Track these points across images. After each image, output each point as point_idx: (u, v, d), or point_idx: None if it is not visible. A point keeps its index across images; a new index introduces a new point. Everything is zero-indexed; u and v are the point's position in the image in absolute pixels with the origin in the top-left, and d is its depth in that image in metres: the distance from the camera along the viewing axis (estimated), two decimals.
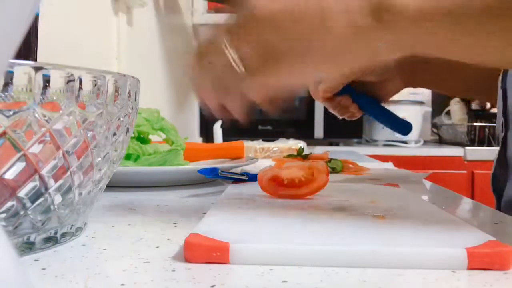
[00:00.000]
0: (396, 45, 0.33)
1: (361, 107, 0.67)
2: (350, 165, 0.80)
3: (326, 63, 0.34)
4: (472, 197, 1.74)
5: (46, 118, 0.27)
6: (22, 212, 0.27)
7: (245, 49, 0.34)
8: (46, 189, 0.28)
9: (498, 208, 0.63)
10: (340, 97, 0.64)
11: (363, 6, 0.32)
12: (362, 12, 0.32)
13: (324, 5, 0.32)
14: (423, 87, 0.73)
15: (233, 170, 0.61)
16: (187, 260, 0.28)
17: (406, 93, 2.01)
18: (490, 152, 1.88)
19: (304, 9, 0.33)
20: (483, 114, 2.08)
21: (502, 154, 0.61)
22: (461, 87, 0.72)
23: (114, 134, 0.33)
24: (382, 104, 0.69)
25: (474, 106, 2.14)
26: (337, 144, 2.03)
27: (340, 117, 0.68)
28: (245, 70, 0.35)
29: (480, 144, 1.99)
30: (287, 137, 1.22)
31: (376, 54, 0.34)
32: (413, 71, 0.66)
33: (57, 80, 0.27)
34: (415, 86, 0.71)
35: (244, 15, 0.34)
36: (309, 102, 1.97)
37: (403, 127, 0.71)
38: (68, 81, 0.28)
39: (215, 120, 0.36)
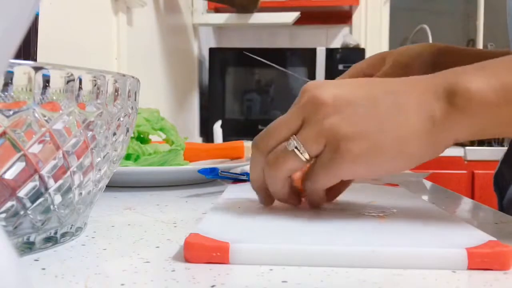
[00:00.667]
0: (473, 130, 0.33)
1: None
2: None
3: (400, 158, 0.33)
4: (472, 197, 1.74)
5: (46, 118, 0.27)
6: (22, 212, 0.27)
7: (315, 143, 0.34)
8: (46, 189, 0.28)
9: (500, 206, 0.63)
10: None
11: (436, 98, 0.32)
12: (437, 105, 0.32)
13: (400, 102, 0.33)
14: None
15: (233, 170, 0.61)
16: (187, 260, 0.28)
17: None
18: (490, 152, 1.88)
19: (380, 103, 0.33)
20: None
21: (510, 154, 0.61)
22: None
23: (114, 134, 0.33)
24: None
25: None
26: None
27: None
28: (310, 157, 0.34)
29: (480, 144, 1.99)
30: None
31: (452, 142, 0.33)
32: (442, 65, 0.63)
33: (57, 80, 0.27)
34: None
35: (308, 99, 0.34)
36: None
37: None
38: (68, 81, 0.28)
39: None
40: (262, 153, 0.36)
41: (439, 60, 0.57)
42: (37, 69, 0.26)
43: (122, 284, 0.24)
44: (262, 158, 0.36)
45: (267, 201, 0.39)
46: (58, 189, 0.29)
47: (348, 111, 0.33)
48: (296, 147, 0.34)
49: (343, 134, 0.33)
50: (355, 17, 2.49)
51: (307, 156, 0.34)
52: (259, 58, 0.69)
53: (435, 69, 0.38)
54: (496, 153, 1.81)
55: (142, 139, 0.66)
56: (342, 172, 0.34)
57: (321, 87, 0.34)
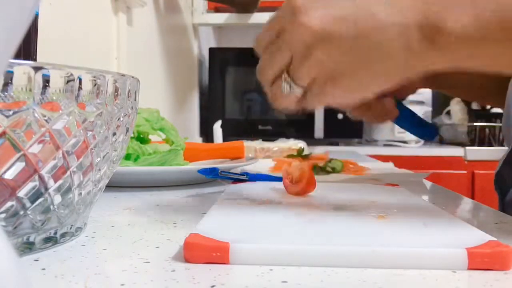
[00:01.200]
0: (447, 64, 0.35)
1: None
2: (350, 165, 0.80)
3: (380, 80, 0.36)
4: (472, 197, 1.74)
5: (46, 118, 0.27)
6: (21, 212, 0.27)
7: (303, 75, 0.36)
8: (46, 189, 0.28)
9: (501, 205, 0.63)
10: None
11: (416, 30, 0.34)
12: (415, 36, 0.34)
13: (378, 26, 0.34)
14: (439, 89, 0.71)
15: (233, 170, 0.61)
16: (187, 260, 0.28)
17: None
18: (490, 152, 1.88)
19: (360, 30, 0.34)
20: (483, 114, 2.08)
21: (511, 154, 0.61)
22: (478, 91, 0.71)
23: (114, 134, 0.33)
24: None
25: (475, 106, 2.14)
26: (337, 144, 2.03)
27: (378, 122, 0.61)
28: (305, 94, 0.37)
29: (481, 144, 1.99)
30: (287, 137, 1.22)
31: (427, 70, 0.36)
32: (435, 75, 0.64)
33: (57, 80, 0.27)
34: (432, 88, 0.69)
35: (299, 38, 0.35)
36: None
37: (428, 130, 0.66)
38: (68, 81, 0.28)
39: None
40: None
41: None
42: (37, 69, 0.26)
43: (122, 284, 0.24)
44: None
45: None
46: (58, 189, 0.29)
47: (331, 46, 0.35)
48: (289, 85, 0.37)
49: (326, 74, 0.35)
50: None
51: (299, 91, 0.37)
52: None
53: None
54: (496, 153, 1.81)
55: (142, 139, 0.66)
56: (327, 100, 0.37)
57: (310, 13, 0.35)
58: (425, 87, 0.66)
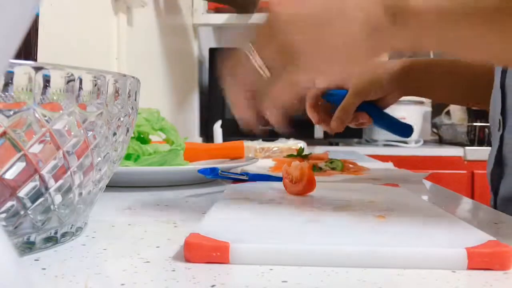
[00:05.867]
0: (410, 42, 0.36)
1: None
2: (350, 165, 0.80)
3: (343, 59, 0.37)
4: (472, 197, 1.74)
5: (46, 118, 0.27)
6: (22, 212, 0.28)
7: (268, 54, 0.36)
8: (46, 189, 0.28)
9: (494, 205, 0.64)
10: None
11: (379, 7, 0.35)
12: (378, 12, 0.35)
13: (341, 7, 0.35)
14: (421, 96, 0.74)
15: (233, 170, 0.61)
16: (187, 260, 0.28)
17: None
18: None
19: (323, 11, 0.35)
20: (483, 114, 2.07)
21: (499, 152, 0.61)
22: (460, 95, 0.73)
23: (114, 134, 0.33)
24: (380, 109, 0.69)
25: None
26: (337, 144, 2.03)
27: (352, 126, 0.67)
28: (270, 74, 0.37)
29: (480, 144, 1.99)
30: (287, 137, 1.22)
31: (389, 50, 0.38)
32: (413, 80, 0.66)
33: (57, 80, 0.27)
34: (413, 95, 0.72)
35: (265, 20, 0.36)
36: None
37: (404, 129, 0.71)
38: (68, 81, 0.28)
39: (252, 129, 0.41)
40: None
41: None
42: (37, 69, 0.26)
43: (122, 284, 0.24)
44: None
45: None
46: (58, 189, 0.29)
47: (298, 24, 0.36)
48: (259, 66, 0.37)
49: (295, 50, 0.36)
50: None
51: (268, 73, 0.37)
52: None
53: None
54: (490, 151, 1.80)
55: (142, 139, 0.66)
56: (299, 79, 0.38)
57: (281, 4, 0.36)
58: (405, 95, 0.68)
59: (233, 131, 1.88)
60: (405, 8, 0.34)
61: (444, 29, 0.34)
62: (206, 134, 2.04)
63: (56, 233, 0.31)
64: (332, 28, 0.35)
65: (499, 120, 0.60)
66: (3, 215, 0.27)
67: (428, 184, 0.67)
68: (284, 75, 0.37)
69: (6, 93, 0.25)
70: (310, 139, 1.89)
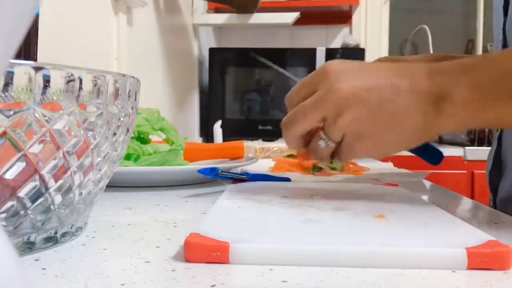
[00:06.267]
0: (455, 127, 0.41)
1: None
2: (350, 165, 0.80)
3: (400, 142, 0.42)
4: (472, 197, 1.73)
5: (46, 118, 0.27)
6: (22, 212, 0.28)
7: (336, 133, 0.42)
8: (46, 189, 0.28)
9: (493, 205, 0.64)
10: None
11: (427, 99, 0.39)
12: (427, 103, 0.39)
13: (402, 104, 0.40)
14: None
15: (233, 170, 0.61)
16: (187, 260, 0.28)
17: None
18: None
19: (382, 98, 0.40)
20: None
21: (498, 152, 0.61)
22: None
23: (114, 134, 0.33)
24: None
25: None
26: None
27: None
28: (336, 148, 0.43)
29: (480, 144, 1.99)
30: None
31: (440, 133, 0.42)
32: None
33: (57, 80, 0.27)
34: None
35: (332, 101, 0.41)
36: None
37: (435, 156, 0.69)
38: (68, 81, 0.28)
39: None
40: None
41: None
42: (37, 69, 0.26)
43: (122, 284, 0.24)
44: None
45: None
46: (58, 189, 0.29)
47: (361, 110, 0.40)
48: (324, 141, 0.43)
49: (356, 134, 0.41)
50: (355, 17, 2.49)
51: (332, 144, 0.43)
52: (265, 61, 0.71)
53: None
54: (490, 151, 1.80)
55: (142, 139, 0.66)
56: (356, 155, 0.43)
57: (342, 81, 0.41)
58: None
59: (233, 131, 1.89)
60: (447, 100, 0.39)
61: (486, 112, 0.38)
62: (206, 134, 2.04)
63: (56, 233, 0.31)
64: (391, 115, 0.40)
65: None
66: (3, 215, 0.27)
67: (428, 184, 0.67)
68: (347, 147, 0.42)
69: (6, 93, 0.25)
70: None
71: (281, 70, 0.69)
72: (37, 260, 0.28)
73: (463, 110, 0.38)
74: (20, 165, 0.26)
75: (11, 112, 0.25)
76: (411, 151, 0.67)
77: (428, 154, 0.67)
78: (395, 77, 0.40)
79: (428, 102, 0.39)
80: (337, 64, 0.42)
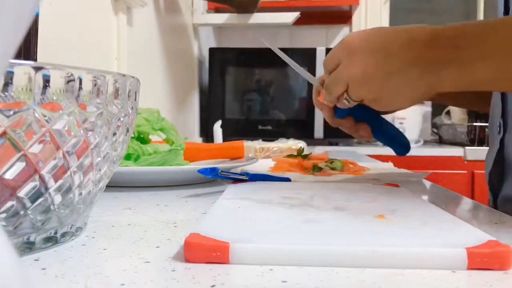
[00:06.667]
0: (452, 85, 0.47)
1: (358, 119, 0.63)
2: (350, 165, 0.80)
3: (406, 102, 0.50)
4: (472, 197, 1.73)
5: (46, 118, 0.27)
6: (22, 212, 0.28)
7: (356, 97, 0.51)
8: (46, 189, 0.28)
9: (494, 204, 0.64)
10: (343, 119, 0.61)
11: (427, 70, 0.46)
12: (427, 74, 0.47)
13: (402, 70, 0.47)
14: (439, 102, 0.75)
15: (233, 170, 0.61)
16: (187, 260, 0.28)
17: None
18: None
19: (391, 73, 0.47)
20: (483, 114, 2.07)
21: (500, 154, 0.61)
22: (466, 103, 0.75)
23: (114, 134, 0.33)
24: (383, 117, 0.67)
25: None
26: (337, 144, 2.03)
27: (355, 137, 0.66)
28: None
29: (480, 144, 1.99)
30: (287, 137, 1.22)
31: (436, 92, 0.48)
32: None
33: (57, 80, 0.27)
34: (432, 101, 0.75)
35: (351, 76, 0.50)
36: (309, 102, 1.97)
37: (401, 146, 0.69)
38: (68, 81, 0.28)
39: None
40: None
41: None
42: (37, 69, 0.26)
43: (122, 284, 0.24)
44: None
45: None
46: (58, 189, 0.29)
47: (373, 82, 0.49)
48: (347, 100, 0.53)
49: (372, 96, 0.50)
50: (355, 17, 2.49)
51: (353, 103, 0.53)
52: (280, 53, 0.72)
53: None
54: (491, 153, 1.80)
55: (142, 139, 0.66)
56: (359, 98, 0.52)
57: (355, 62, 0.49)
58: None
59: (233, 131, 1.89)
60: (440, 90, 0.47)
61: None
62: (206, 134, 2.04)
63: (56, 233, 0.31)
64: (399, 85, 0.48)
65: (499, 123, 0.60)
66: (3, 215, 0.27)
67: (428, 184, 0.67)
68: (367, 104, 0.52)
69: (6, 93, 0.25)
70: (310, 139, 1.89)
71: (292, 63, 0.70)
72: (37, 260, 0.28)
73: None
74: (20, 165, 0.26)
75: (11, 112, 0.25)
76: (381, 140, 0.68)
77: (396, 143, 0.67)
78: (401, 51, 0.47)
79: (428, 73, 0.46)
80: (354, 39, 0.50)
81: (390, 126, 0.66)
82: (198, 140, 2.00)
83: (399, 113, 2.02)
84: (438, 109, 2.27)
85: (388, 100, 0.50)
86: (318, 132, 1.96)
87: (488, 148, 0.67)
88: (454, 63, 0.44)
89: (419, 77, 0.46)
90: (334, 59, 0.51)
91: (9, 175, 0.26)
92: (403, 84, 0.47)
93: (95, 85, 0.29)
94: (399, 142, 0.67)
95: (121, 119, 0.33)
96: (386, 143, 0.67)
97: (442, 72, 0.45)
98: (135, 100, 0.35)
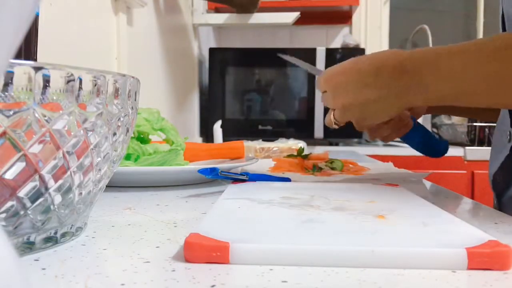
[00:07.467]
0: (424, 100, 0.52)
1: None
2: (350, 165, 0.80)
3: (383, 118, 0.57)
4: (472, 197, 1.73)
5: (46, 118, 0.27)
6: (22, 212, 0.27)
7: (340, 121, 0.59)
8: (46, 189, 0.28)
9: (498, 204, 0.64)
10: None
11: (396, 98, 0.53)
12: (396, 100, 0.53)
13: (375, 99, 0.53)
14: (435, 113, 0.80)
15: (233, 170, 0.61)
16: (187, 260, 0.28)
17: None
18: (490, 152, 1.87)
19: (365, 102, 0.54)
20: None
21: (508, 160, 0.62)
22: (470, 111, 0.80)
23: (114, 134, 0.33)
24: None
25: None
26: (337, 144, 2.03)
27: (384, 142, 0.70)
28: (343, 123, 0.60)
29: (480, 144, 1.99)
30: (287, 137, 1.22)
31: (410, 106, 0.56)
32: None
33: (57, 80, 0.27)
34: (431, 113, 0.80)
35: (334, 105, 0.58)
36: (309, 102, 1.97)
37: (437, 148, 0.70)
38: (68, 81, 0.28)
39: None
40: None
41: None
42: (37, 69, 0.26)
43: (122, 284, 0.24)
44: None
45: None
46: (58, 189, 0.29)
47: (353, 110, 0.56)
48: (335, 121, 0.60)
49: (355, 119, 0.57)
50: (355, 17, 2.49)
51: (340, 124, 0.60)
52: (288, 58, 0.75)
53: None
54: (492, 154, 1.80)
55: (142, 139, 0.66)
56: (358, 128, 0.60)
57: (334, 98, 0.57)
58: (428, 113, 0.78)
59: (233, 131, 1.89)
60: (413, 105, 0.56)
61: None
62: (206, 134, 2.04)
63: (56, 233, 0.31)
64: (374, 110, 0.54)
65: (510, 132, 0.61)
66: (3, 215, 0.27)
67: (428, 184, 0.67)
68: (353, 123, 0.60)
69: (6, 93, 0.25)
70: (310, 139, 1.89)
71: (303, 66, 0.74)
72: (37, 260, 0.28)
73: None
74: (20, 165, 0.26)
75: (11, 112, 0.25)
76: (412, 145, 0.69)
77: (428, 147, 0.69)
78: (374, 82, 0.53)
79: (399, 97, 0.52)
80: (334, 75, 0.56)
81: (422, 131, 0.68)
82: (198, 140, 2.00)
83: None
84: None
85: (369, 121, 0.57)
86: (318, 132, 1.96)
87: (490, 152, 0.68)
88: (419, 86, 0.50)
89: (392, 102, 0.53)
90: (321, 88, 0.59)
91: (9, 175, 0.26)
92: (379, 108, 0.54)
93: (95, 85, 0.29)
94: (430, 147, 0.69)
95: (121, 119, 0.33)
96: (419, 147, 0.69)
97: (410, 95, 0.51)
98: (135, 100, 0.35)
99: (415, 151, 0.73)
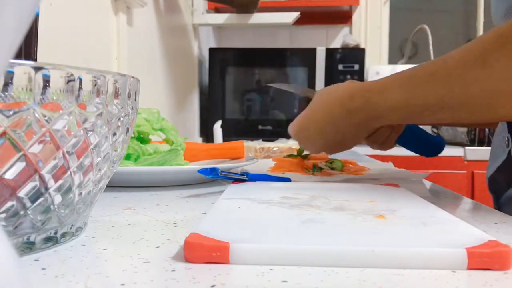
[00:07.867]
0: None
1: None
2: (350, 165, 0.80)
3: (351, 145, 0.63)
4: (472, 197, 1.74)
5: (46, 118, 0.27)
6: (22, 212, 0.28)
7: (311, 151, 0.65)
8: (46, 189, 0.28)
9: (496, 204, 0.64)
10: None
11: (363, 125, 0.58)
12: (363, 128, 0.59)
13: (339, 133, 0.60)
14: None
15: (233, 170, 0.61)
16: (187, 260, 0.28)
17: None
18: (489, 152, 1.87)
19: (331, 139, 0.61)
20: None
21: (508, 160, 0.62)
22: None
23: (114, 134, 0.33)
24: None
25: None
26: None
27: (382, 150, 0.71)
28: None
29: (480, 144, 1.99)
30: (287, 137, 1.22)
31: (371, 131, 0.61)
32: None
33: (57, 80, 0.27)
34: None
35: (303, 144, 0.66)
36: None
37: (431, 147, 0.70)
38: (68, 81, 0.28)
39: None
40: None
41: None
42: (37, 69, 0.26)
43: (122, 284, 0.24)
44: None
45: None
46: (58, 189, 0.29)
47: (320, 145, 0.63)
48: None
49: (323, 149, 0.64)
50: (355, 17, 2.49)
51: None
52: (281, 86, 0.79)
53: None
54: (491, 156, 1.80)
55: (142, 139, 0.66)
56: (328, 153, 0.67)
57: (303, 142, 0.66)
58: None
59: (233, 131, 1.89)
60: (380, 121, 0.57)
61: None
62: (206, 134, 2.04)
63: (56, 233, 0.31)
64: (341, 141, 0.61)
65: (508, 137, 0.61)
66: (3, 215, 0.27)
67: (428, 184, 0.67)
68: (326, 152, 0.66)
69: (6, 93, 0.25)
70: None
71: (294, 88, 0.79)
72: (37, 260, 0.28)
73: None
74: (20, 165, 0.26)
75: (11, 112, 0.25)
76: (406, 147, 0.69)
77: (423, 146, 0.69)
78: (332, 132, 0.60)
79: (363, 126, 0.58)
80: (306, 127, 0.64)
81: (414, 131, 0.68)
82: (198, 140, 2.00)
83: None
84: None
85: (346, 148, 0.63)
86: None
87: (490, 148, 0.68)
88: (373, 119, 0.56)
89: (355, 134, 0.59)
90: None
91: (9, 175, 0.26)
92: (348, 143, 0.62)
93: (95, 85, 0.29)
94: (426, 146, 0.69)
95: (121, 119, 0.33)
96: (414, 148, 0.69)
97: (369, 125, 0.57)
98: (135, 100, 0.35)
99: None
